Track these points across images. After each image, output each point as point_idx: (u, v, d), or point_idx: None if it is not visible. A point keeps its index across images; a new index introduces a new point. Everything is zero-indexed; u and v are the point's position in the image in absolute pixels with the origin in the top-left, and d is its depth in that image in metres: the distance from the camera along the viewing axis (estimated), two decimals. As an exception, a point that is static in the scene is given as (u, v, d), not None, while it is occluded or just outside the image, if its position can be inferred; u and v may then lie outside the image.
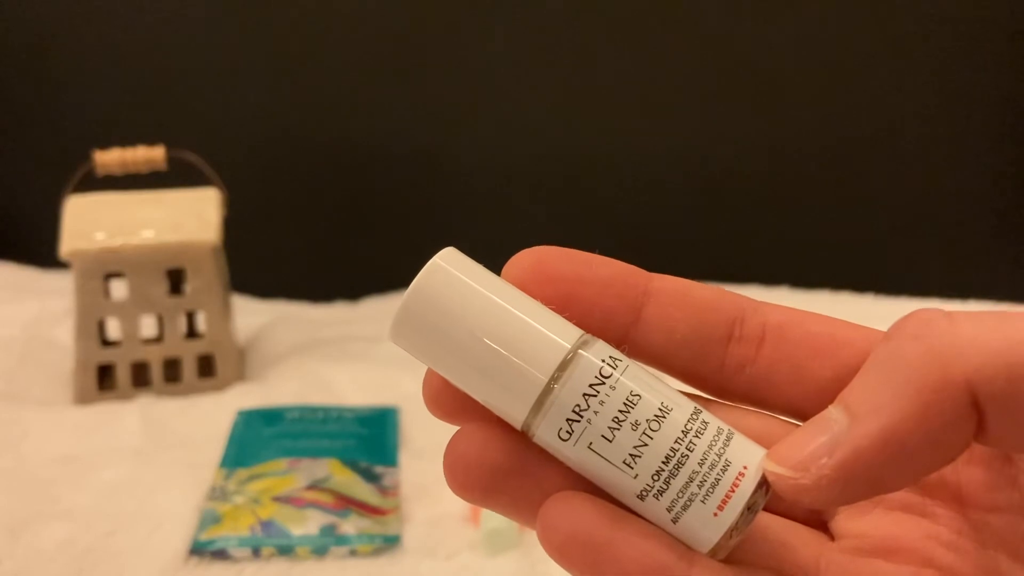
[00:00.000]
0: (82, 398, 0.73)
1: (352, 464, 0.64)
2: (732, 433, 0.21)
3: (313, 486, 0.61)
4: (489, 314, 0.21)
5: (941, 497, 0.22)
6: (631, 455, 0.20)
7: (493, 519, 0.57)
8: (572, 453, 0.21)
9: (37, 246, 0.87)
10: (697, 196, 1.00)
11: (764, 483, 0.20)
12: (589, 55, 0.96)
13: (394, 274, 0.95)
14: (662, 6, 0.93)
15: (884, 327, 0.22)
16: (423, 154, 0.99)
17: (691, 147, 0.98)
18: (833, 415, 0.20)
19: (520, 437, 0.21)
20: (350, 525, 0.58)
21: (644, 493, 0.20)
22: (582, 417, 0.20)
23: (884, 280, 0.88)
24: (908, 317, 0.20)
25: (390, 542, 0.58)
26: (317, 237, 1.02)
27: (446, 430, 0.70)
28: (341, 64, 0.96)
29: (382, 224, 1.00)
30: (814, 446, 0.19)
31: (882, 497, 0.22)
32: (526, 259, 0.22)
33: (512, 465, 0.21)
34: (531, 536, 0.58)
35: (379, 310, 0.90)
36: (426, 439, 0.68)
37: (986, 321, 0.19)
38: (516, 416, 0.21)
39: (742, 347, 0.22)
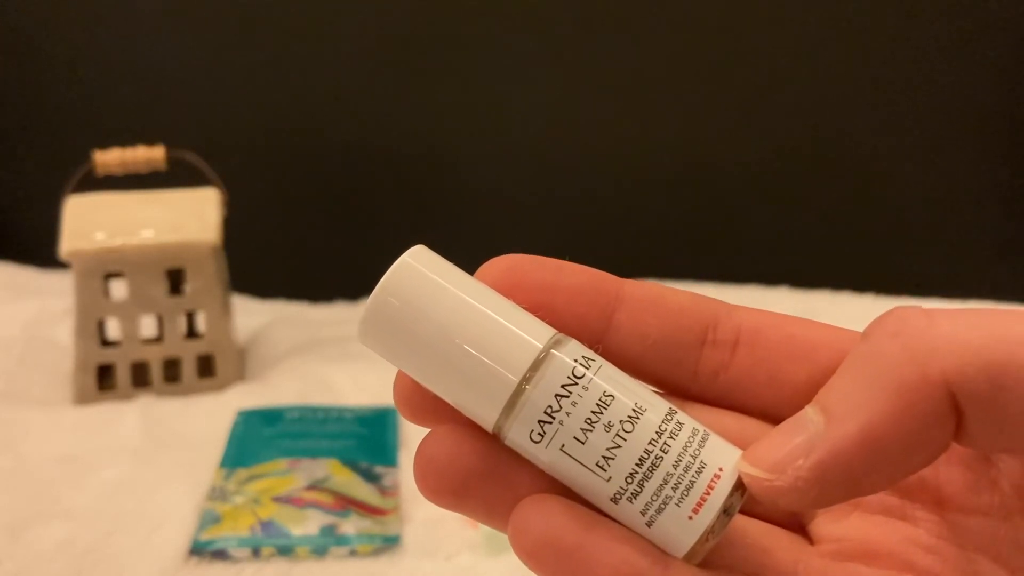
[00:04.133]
0: (82, 398, 0.73)
1: (352, 464, 0.64)
2: (708, 434, 0.20)
3: (313, 486, 0.61)
4: (459, 313, 0.20)
5: (921, 500, 0.22)
6: (604, 457, 0.20)
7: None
8: (544, 455, 0.20)
9: (37, 246, 0.86)
10: (697, 196, 1.00)
11: (740, 485, 0.20)
12: (589, 55, 0.96)
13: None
14: (662, 4, 0.93)
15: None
16: (423, 154, 0.99)
17: (691, 146, 0.98)
18: (810, 415, 0.19)
19: (492, 440, 0.21)
20: (350, 525, 0.58)
21: (618, 496, 0.20)
22: (554, 419, 0.20)
23: (884, 280, 0.88)
24: (886, 315, 0.19)
25: (390, 542, 0.58)
26: (317, 237, 1.02)
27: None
28: (341, 64, 0.96)
29: (382, 224, 1.00)
30: (790, 447, 0.19)
31: (861, 500, 0.22)
32: (496, 267, 0.21)
33: (483, 468, 0.21)
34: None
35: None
36: (426, 439, 0.68)
37: (965, 318, 0.18)
38: (487, 418, 0.20)
39: (716, 352, 0.22)
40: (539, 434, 0.20)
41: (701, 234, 1.00)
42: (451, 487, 0.21)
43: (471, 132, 0.98)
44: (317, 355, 0.80)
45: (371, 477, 0.63)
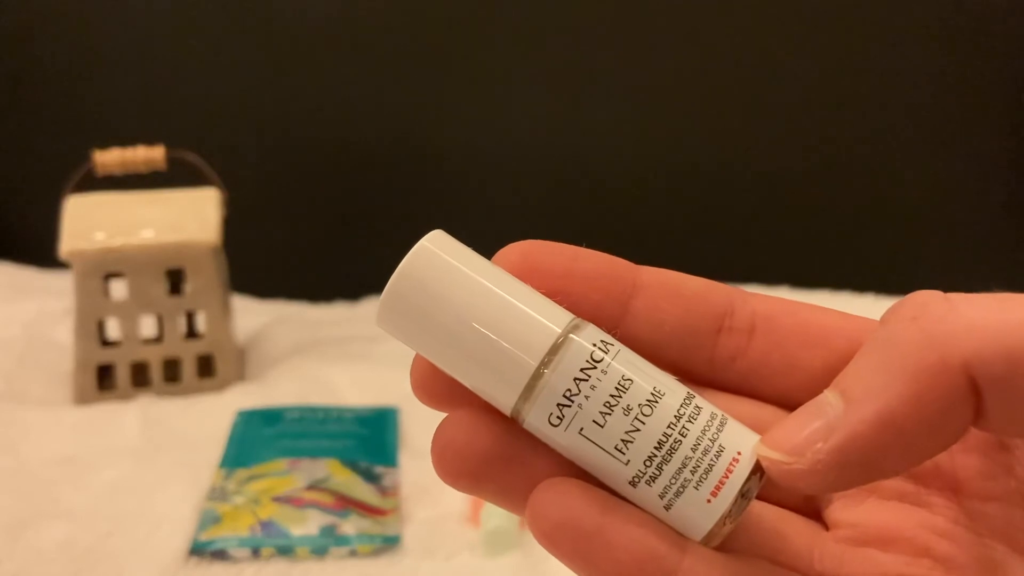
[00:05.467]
0: (82, 398, 0.73)
1: (352, 464, 0.64)
2: (726, 419, 0.20)
3: (313, 486, 0.61)
4: (477, 297, 0.20)
5: (936, 486, 0.22)
6: (623, 440, 0.20)
7: (493, 519, 0.57)
8: (563, 439, 0.20)
9: (37, 246, 0.86)
10: (697, 195, 1.00)
11: (758, 469, 0.20)
12: (589, 54, 0.96)
13: (394, 274, 0.95)
14: (663, 5, 0.93)
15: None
16: (423, 154, 0.99)
17: (690, 146, 0.98)
18: (828, 399, 0.19)
19: (510, 423, 0.21)
20: (350, 525, 0.58)
21: (636, 479, 0.20)
22: (573, 402, 0.20)
23: (884, 280, 0.88)
24: (905, 300, 0.19)
25: (390, 542, 0.58)
26: (317, 237, 1.02)
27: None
28: (341, 64, 0.96)
29: (382, 224, 1.00)
30: (809, 431, 0.19)
31: (876, 486, 0.22)
32: (513, 253, 0.21)
33: (501, 452, 0.21)
34: (531, 536, 0.58)
35: (379, 310, 0.90)
36: (426, 439, 0.67)
37: (984, 303, 0.18)
38: (505, 402, 0.20)
39: (732, 338, 0.22)
40: (558, 417, 0.20)
41: (701, 234, 1.00)
42: (469, 471, 0.21)
43: (471, 132, 0.98)
44: (317, 355, 0.80)
45: (371, 477, 0.63)
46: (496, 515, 0.57)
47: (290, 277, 0.98)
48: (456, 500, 0.61)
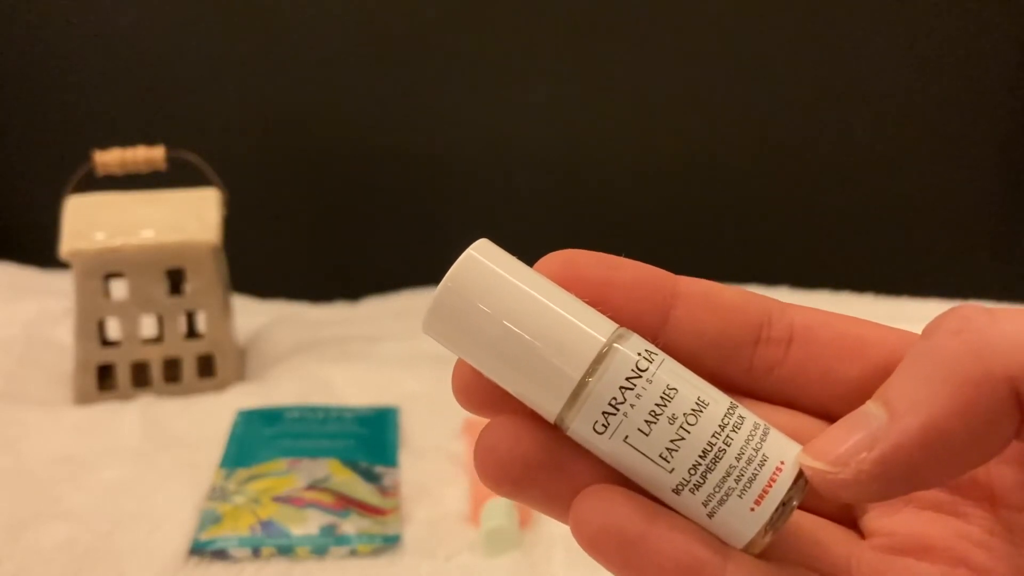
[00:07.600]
0: (82, 398, 0.73)
1: (352, 464, 0.64)
2: (768, 428, 0.21)
3: (313, 486, 0.61)
4: (524, 306, 0.21)
5: (972, 496, 0.22)
6: (668, 449, 0.20)
7: (493, 519, 0.57)
8: (607, 447, 0.20)
9: (37, 246, 0.86)
10: (698, 196, 1.00)
11: (800, 478, 0.20)
12: (591, 54, 0.96)
13: (394, 274, 0.95)
14: (665, 4, 0.93)
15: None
16: (423, 154, 0.99)
17: (691, 146, 0.98)
18: (872, 410, 0.20)
19: (552, 430, 0.21)
20: (350, 525, 0.58)
21: (680, 487, 0.20)
22: (618, 410, 0.20)
23: (884, 280, 0.88)
24: (947, 314, 0.20)
25: (390, 542, 0.58)
26: (317, 237, 1.02)
27: (446, 430, 0.69)
28: (341, 64, 0.96)
29: (382, 224, 1.00)
30: (853, 441, 0.19)
31: (913, 495, 0.22)
32: (554, 262, 0.22)
33: (544, 458, 0.21)
34: (531, 536, 0.58)
35: (379, 310, 0.90)
36: (426, 439, 0.68)
37: None
38: (550, 409, 0.21)
39: (770, 349, 0.22)
40: (603, 425, 0.20)
41: (701, 234, 1.00)
42: (511, 477, 0.21)
43: (471, 132, 0.99)
44: (317, 355, 0.80)
45: (371, 477, 0.63)
46: (496, 515, 0.57)
47: (290, 277, 0.98)
48: (456, 500, 0.61)
